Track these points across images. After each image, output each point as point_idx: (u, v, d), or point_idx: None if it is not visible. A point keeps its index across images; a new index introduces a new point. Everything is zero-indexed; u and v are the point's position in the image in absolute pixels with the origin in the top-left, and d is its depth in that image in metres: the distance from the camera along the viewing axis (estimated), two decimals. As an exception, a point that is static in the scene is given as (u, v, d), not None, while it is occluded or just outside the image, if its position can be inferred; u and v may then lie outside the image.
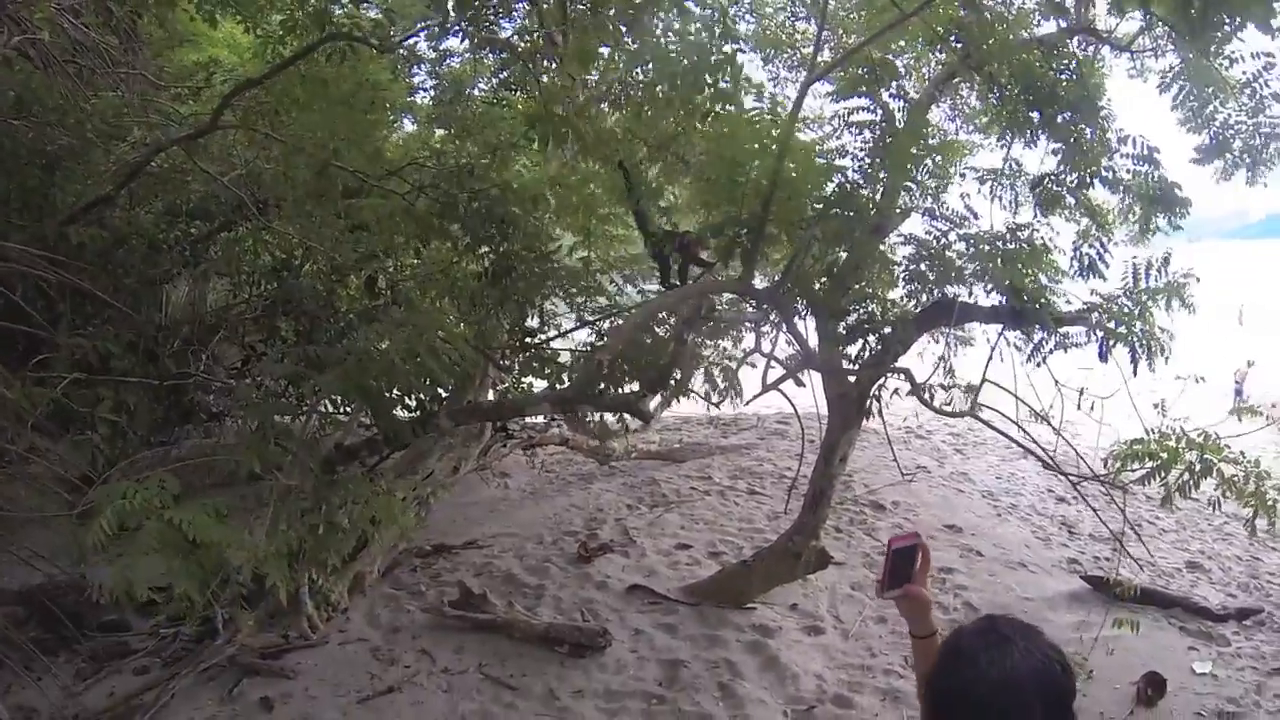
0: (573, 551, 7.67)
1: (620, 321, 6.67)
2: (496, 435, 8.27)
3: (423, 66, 9.48)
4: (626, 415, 7.57)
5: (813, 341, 6.20)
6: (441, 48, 8.62)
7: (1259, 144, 6.66)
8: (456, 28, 7.33)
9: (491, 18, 6.79)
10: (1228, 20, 5.01)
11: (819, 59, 6.97)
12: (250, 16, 6.32)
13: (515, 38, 7.19)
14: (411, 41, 8.86)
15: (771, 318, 6.33)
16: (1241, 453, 5.68)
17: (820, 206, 5.46)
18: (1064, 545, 8.91)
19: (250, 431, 5.30)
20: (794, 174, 5.35)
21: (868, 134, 6.05)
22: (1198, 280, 5.94)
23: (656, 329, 6.38)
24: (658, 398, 7.10)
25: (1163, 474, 5.67)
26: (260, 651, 5.74)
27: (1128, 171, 6.03)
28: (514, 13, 7.20)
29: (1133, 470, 5.89)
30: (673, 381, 5.82)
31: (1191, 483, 5.56)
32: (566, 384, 6.24)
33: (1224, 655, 6.57)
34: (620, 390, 5.87)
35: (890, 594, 2.29)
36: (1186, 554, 8.95)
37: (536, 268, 6.25)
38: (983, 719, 1.71)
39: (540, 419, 9.29)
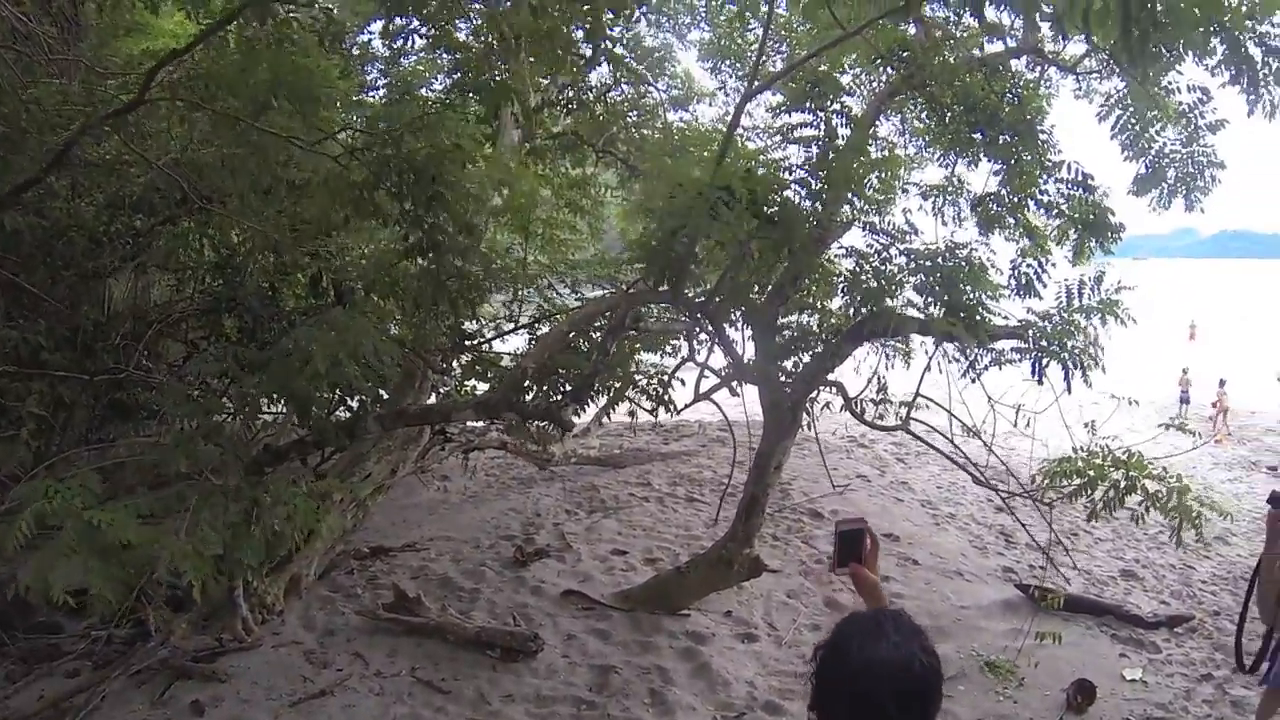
0: (509, 556, 7.67)
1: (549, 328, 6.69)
2: (435, 438, 8.23)
3: (376, 65, 9.46)
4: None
5: (750, 351, 6.26)
6: (396, 46, 8.60)
7: (1194, 172, 6.81)
8: (411, 26, 7.33)
9: (446, 16, 6.79)
10: (1166, 50, 5.11)
11: (768, 70, 7.04)
12: (191, 3, 6.22)
13: (471, 38, 7.19)
14: (364, 38, 8.85)
15: (704, 328, 6.37)
16: (1164, 468, 5.84)
17: (757, 220, 5.49)
18: (1000, 554, 9.05)
19: (181, 430, 5.24)
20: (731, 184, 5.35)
21: (811, 148, 6.11)
22: (1130, 288, 6.06)
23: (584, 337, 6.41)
24: (591, 407, 7.08)
25: (1089, 491, 5.81)
26: (193, 654, 5.67)
27: (1062, 196, 6.16)
28: (470, 14, 7.20)
29: (1061, 487, 6.03)
30: (596, 390, 5.81)
31: (1116, 499, 5.71)
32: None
33: (1154, 662, 6.75)
34: (544, 398, 5.86)
35: (840, 571, 2.46)
36: (1121, 562, 9.15)
37: (467, 248, 6.18)
38: (838, 702, 1.77)
39: (480, 422, 9.27)
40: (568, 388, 5.85)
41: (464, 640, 6.09)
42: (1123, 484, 5.73)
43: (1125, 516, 9.47)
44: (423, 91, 8.73)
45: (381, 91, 9.27)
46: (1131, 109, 6.45)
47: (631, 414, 7.63)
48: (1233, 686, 6.25)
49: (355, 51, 8.51)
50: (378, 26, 8.69)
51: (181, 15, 7.18)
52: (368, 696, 5.49)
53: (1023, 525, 7.45)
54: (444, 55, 8.15)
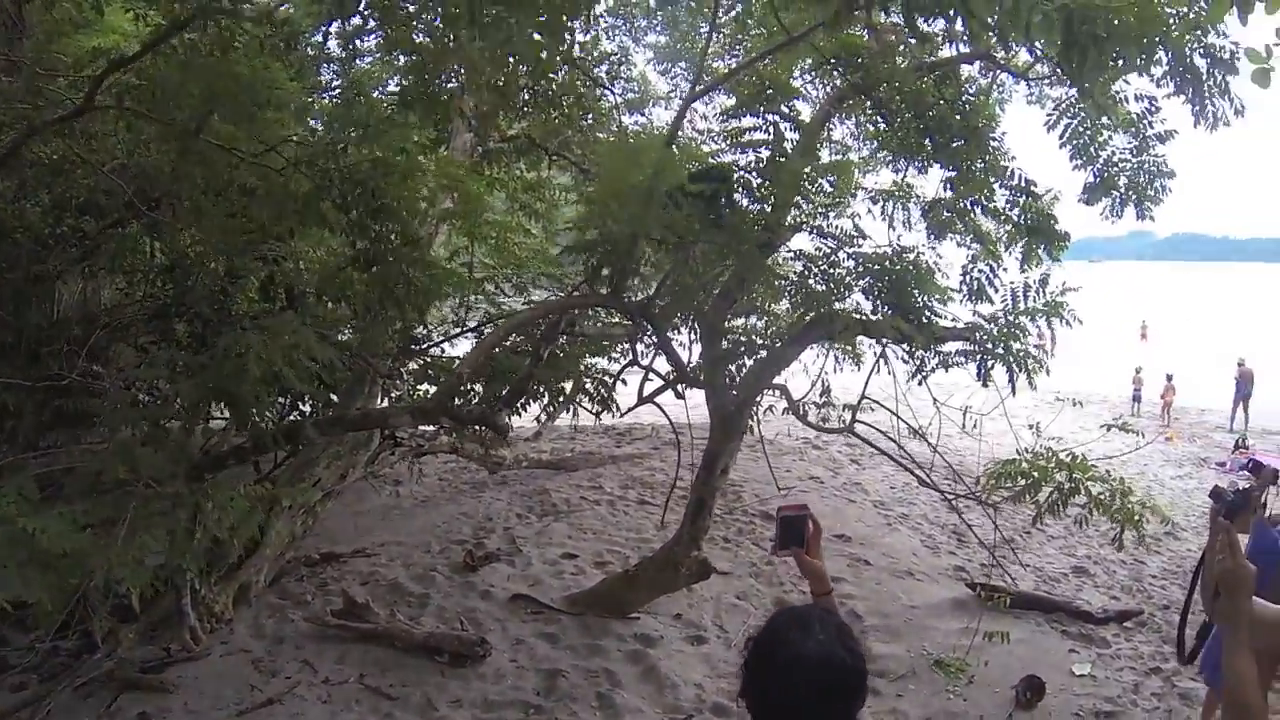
0: (459, 560, 7.65)
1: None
2: (384, 443, 8.20)
3: (331, 66, 9.37)
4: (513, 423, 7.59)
5: (697, 354, 6.30)
6: (350, 47, 8.52)
7: (1144, 181, 6.91)
8: (367, 27, 7.26)
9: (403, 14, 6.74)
10: (1110, 61, 5.18)
11: (722, 71, 7.07)
12: (137, 5, 6.14)
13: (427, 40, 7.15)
14: (317, 39, 8.75)
15: (646, 333, 6.39)
16: (1108, 470, 5.94)
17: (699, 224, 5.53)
18: (952, 553, 9.14)
19: (123, 437, 5.18)
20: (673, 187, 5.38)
21: (760, 151, 6.15)
22: (1075, 290, 6.17)
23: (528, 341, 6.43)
24: (536, 410, 7.10)
25: (1034, 493, 5.90)
26: (140, 665, 5.63)
27: (1008, 202, 6.24)
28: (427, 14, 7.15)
29: (1007, 488, 6.11)
30: (539, 394, 5.82)
31: (1060, 501, 5.80)
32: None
33: (1103, 657, 6.85)
34: (480, 403, 5.87)
35: (782, 554, 2.55)
36: (1073, 559, 9.29)
37: (412, 257, 6.18)
38: (764, 692, 1.82)
39: (428, 427, 9.27)
40: (503, 392, 5.86)
41: (412, 646, 6.08)
42: (1067, 486, 5.83)
43: (1076, 514, 9.76)
44: (377, 94, 8.69)
45: (335, 93, 9.20)
46: (1079, 117, 6.52)
47: (574, 415, 7.63)
48: (1180, 679, 6.34)
49: (310, 52, 8.42)
50: (335, 27, 8.64)
51: (124, 15, 7.08)
52: (315, 704, 5.47)
53: (969, 526, 7.53)
54: (399, 57, 8.08)
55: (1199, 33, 5.94)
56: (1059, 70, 6.65)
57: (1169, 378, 21.36)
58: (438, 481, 10.70)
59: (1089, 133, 6.48)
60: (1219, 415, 21.51)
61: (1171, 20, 5.38)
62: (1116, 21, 4.54)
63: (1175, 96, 6.00)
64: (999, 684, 6.18)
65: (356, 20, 7.59)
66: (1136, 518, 5.85)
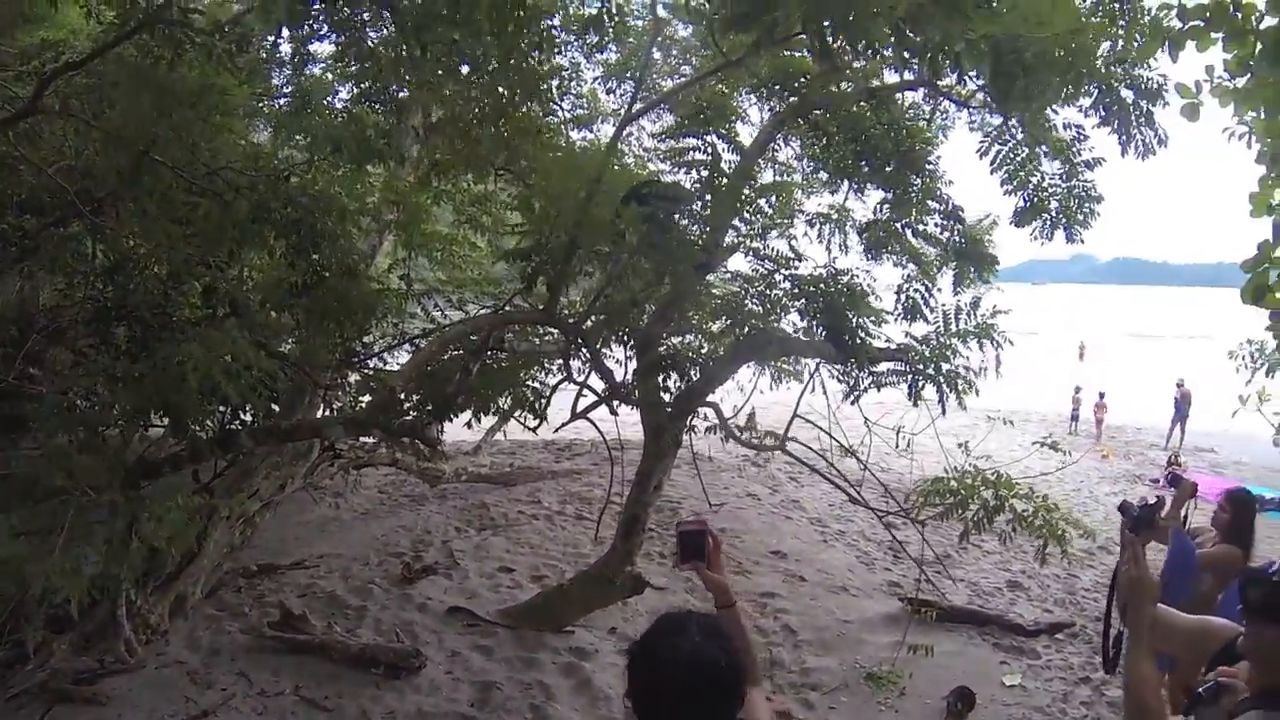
0: (397, 573, 7.67)
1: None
2: (324, 454, 8.18)
3: (283, 71, 9.32)
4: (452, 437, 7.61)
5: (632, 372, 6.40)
6: (302, 53, 8.51)
7: (1073, 206, 7.16)
8: (320, 32, 7.28)
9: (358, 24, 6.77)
10: (1038, 92, 5.39)
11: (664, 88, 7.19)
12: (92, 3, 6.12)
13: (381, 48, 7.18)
14: (269, 42, 8.71)
15: (579, 349, 6.47)
16: (1031, 488, 6.12)
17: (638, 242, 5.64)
18: (887, 569, 9.26)
19: (59, 443, 5.13)
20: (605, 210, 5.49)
21: (699, 172, 6.28)
22: (1005, 312, 6.37)
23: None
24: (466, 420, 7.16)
25: (961, 510, 6.06)
26: (73, 676, 5.56)
27: (937, 225, 6.44)
28: (381, 21, 7.18)
29: (935, 505, 6.27)
30: (473, 408, 5.88)
31: (985, 518, 5.97)
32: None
33: (1034, 667, 6.98)
34: (410, 416, 5.92)
35: (683, 567, 2.63)
36: (1008, 574, 9.42)
37: (346, 284, 6.23)
38: (644, 693, 1.91)
39: (368, 438, 9.27)
40: (431, 407, 5.92)
41: (348, 658, 6.10)
42: (992, 503, 6.00)
43: (1012, 530, 9.97)
44: (326, 101, 8.68)
45: (286, 98, 9.17)
46: (1010, 144, 6.76)
47: (504, 431, 7.69)
48: (1109, 688, 6.45)
49: (262, 55, 8.39)
50: (287, 32, 8.62)
51: (78, 10, 7.03)
52: (251, 717, 5.47)
53: (898, 542, 7.69)
54: (352, 64, 8.10)
55: (1126, 65, 6.22)
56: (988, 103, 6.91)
57: (1100, 395, 22.27)
58: (377, 494, 10.70)
59: (1019, 159, 6.70)
60: (1155, 434, 22.16)
61: (1100, 53, 5.62)
62: (1044, 52, 4.77)
63: (1102, 126, 6.27)
64: (930, 695, 6.30)
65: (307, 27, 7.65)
66: (1060, 532, 6.03)
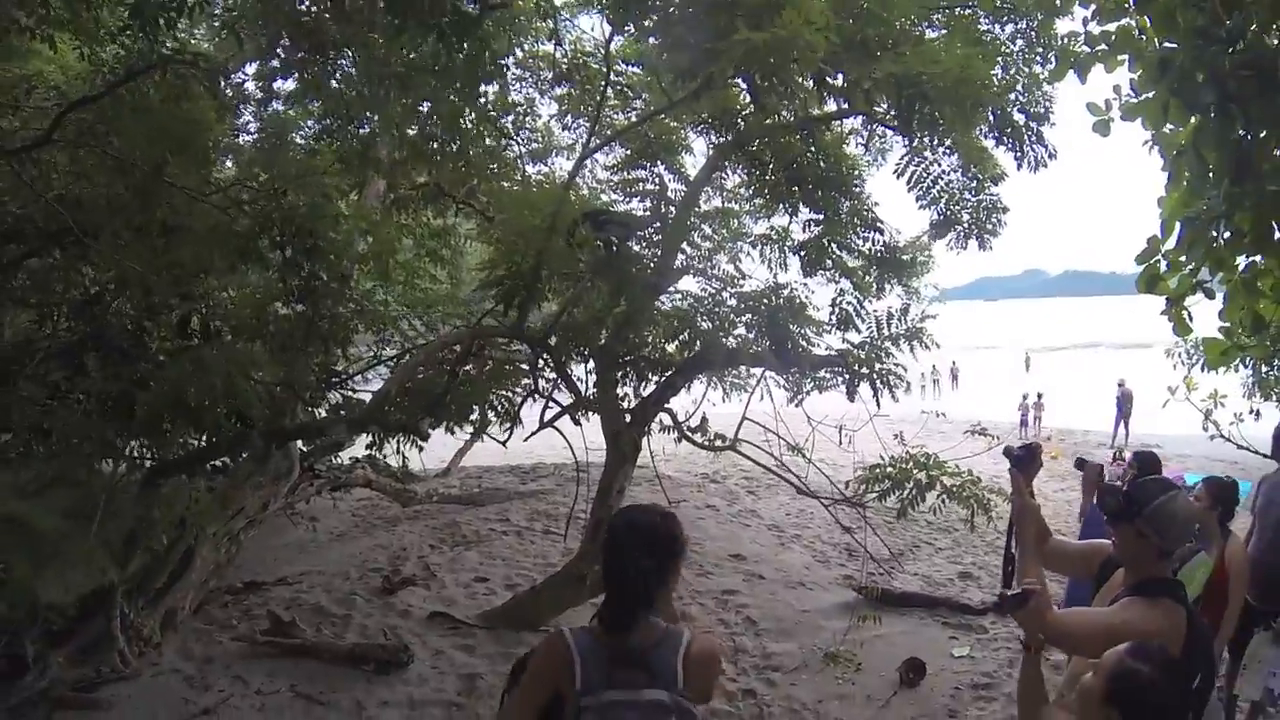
0: (377, 585, 7.96)
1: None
2: (304, 474, 8.49)
3: (248, 107, 9.67)
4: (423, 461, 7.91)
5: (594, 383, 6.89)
6: (272, 88, 8.87)
7: (983, 217, 7.77)
8: (288, 68, 7.68)
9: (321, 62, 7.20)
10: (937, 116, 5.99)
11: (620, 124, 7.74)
12: (88, 43, 6.48)
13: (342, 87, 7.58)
14: (238, 80, 9.08)
15: (546, 363, 6.95)
16: (957, 464, 6.68)
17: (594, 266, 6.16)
18: (842, 565, 9.71)
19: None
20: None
21: (649, 201, 6.81)
22: (933, 317, 6.95)
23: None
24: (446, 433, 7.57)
25: (897, 491, 6.62)
26: (72, 684, 5.80)
27: (861, 239, 7.03)
28: (342, 61, 7.59)
29: (874, 491, 6.82)
30: (453, 410, 6.33)
31: (918, 495, 6.54)
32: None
33: (981, 640, 7.49)
34: (404, 414, 6.38)
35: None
36: (959, 566, 9.99)
37: (340, 294, 6.65)
38: (605, 542, 2.57)
39: (345, 460, 9.61)
40: (420, 405, 6.38)
41: (339, 657, 6.43)
42: (924, 481, 6.57)
43: (963, 530, 10.49)
44: (294, 137, 9.04)
45: (254, 135, 9.50)
46: (922, 164, 7.34)
47: (475, 440, 8.06)
48: (1052, 652, 6.92)
49: (229, 92, 8.73)
50: (252, 69, 8.99)
51: (67, 49, 7.33)
52: (250, 713, 5.76)
53: (847, 529, 8.09)
54: (314, 102, 8.43)
55: (1018, 92, 6.90)
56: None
57: (1039, 396, 24.32)
58: (352, 517, 10.96)
59: (931, 178, 7.30)
60: (1102, 435, 23.08)
61: (993, 82, 6.26)
62: (940, 87, 5.40)
63: (999, 147, 6.94)
64: (884, 669, 6.73)
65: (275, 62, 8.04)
66: (985, 500, 6.58)
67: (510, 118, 9.74)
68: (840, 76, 5.87)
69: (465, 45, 5.42)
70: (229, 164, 9.51)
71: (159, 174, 6.14)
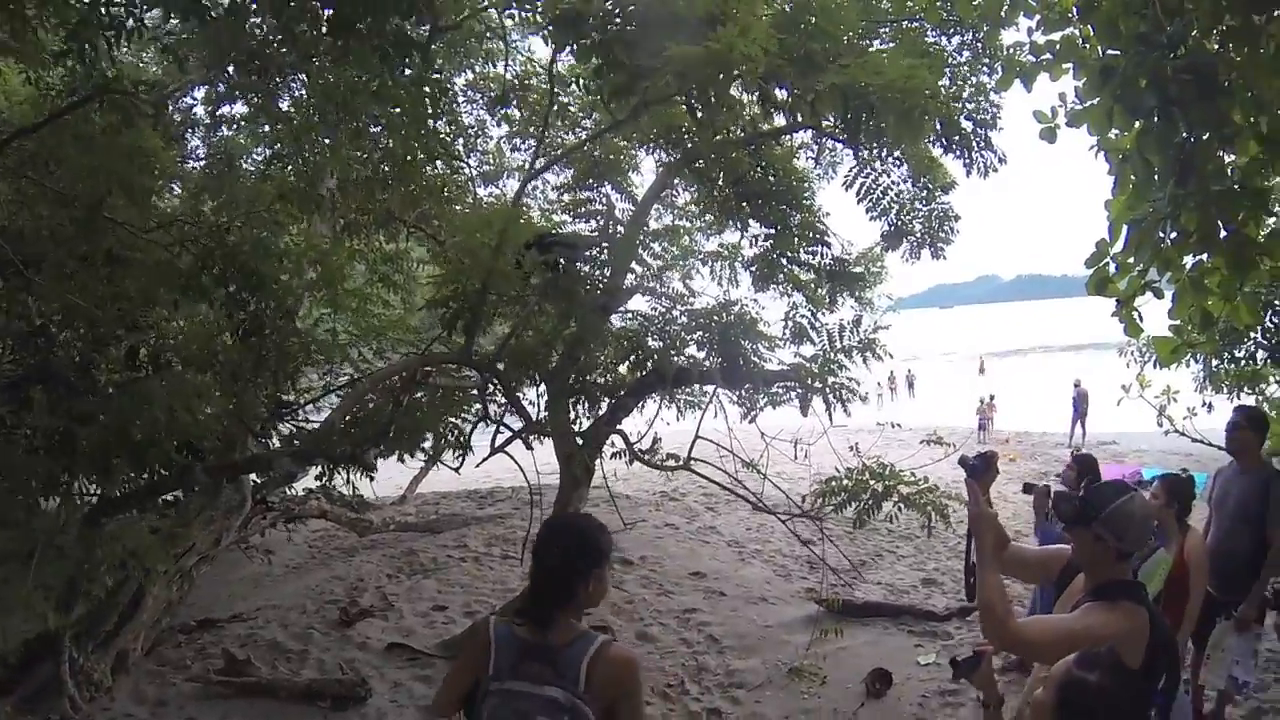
0: (334, 618, 7.84)
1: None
2: (257, 506, 8.34)
3: (196, 132, 9.55)
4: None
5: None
6: (219, 113, 8.77)
7: (934, 226, 7.86)
8: (235, 91, 7.58)
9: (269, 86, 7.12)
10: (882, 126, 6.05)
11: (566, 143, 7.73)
12: (34, 69, 6.34)
13: (291, 109, 7.50)
14: (187, 105, 8.96)
15: (495, 388, 6.90)
16: (913, 472, 6.70)
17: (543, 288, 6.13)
18: (804, 578, 9.68)
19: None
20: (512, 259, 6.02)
21: (596, 221, 6.80)
22: (886, 328, 6.97)
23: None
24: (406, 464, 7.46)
25: (854, 502, 6.64)
26: (19, 734, 5.61)
27: (808, 251, 7.07)
28: (291, 84, 7.51)
29: (831, 504, 6.83)
30: (403, 439, 6.26)
31: (875, 505, 6.57)
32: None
33: (947, 647, 7.44)
34: (350, 445, 6.29)
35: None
36: (922, 572, 10.03)
37: (285, 328, 6.57)
38: (535, 543, 2.73)
39: (299, 490, 9.46)
40: (366, 435, 6.30)
41: (295, 695, 6.30)
42: (881, 491, 6.60)
43: (921, 538, 10.56)
44: (243, 163, 8.92)
45: (203, 161, 9.37)
46: (871, 176, 7.42)
47: (430, 466, 7.93)
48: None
49: (178, 118, 8.61)
50: (200, 93, 8.87)
51: (11, 75, 7.18)
52: (205, 756, 5.59)
53: (805, 542, 8.08)
54: (264, 127, 8.33)
55: (964, 100, 7.00)
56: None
57: (991, 397, 24.91)
58: (308, 549, 10.82)
59: (879, 189, 7.37)
60: (1059, 435, 23.44)
61: (939, 91, 6.34)
62: (885, 98, 5.46)
63: (947, 155, 7.03)
64: (851, 681, 6.71)
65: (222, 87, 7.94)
66: (943, 507, 6.63)
67: (461, 141, 9.70)
68: (784, 91, 5.90)
69: (407, 68, 5.37)
70: (177, 190, 9.37)
71: (98, 208, 5.99)
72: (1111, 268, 5.68)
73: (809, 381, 6.61)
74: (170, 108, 7.89)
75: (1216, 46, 4.73)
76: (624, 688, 2.56)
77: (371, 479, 6.90)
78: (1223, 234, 4.81)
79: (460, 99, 9.78)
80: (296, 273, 7.23)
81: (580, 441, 6.64)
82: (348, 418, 6.44)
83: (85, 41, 4.69)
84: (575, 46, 4.89)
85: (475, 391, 7.09)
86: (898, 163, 7.46)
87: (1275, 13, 4.43)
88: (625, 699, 2.56)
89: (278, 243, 6.70)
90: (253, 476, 7.89)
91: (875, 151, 6.86)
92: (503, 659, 2.53)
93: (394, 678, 6.74)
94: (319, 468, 7.44)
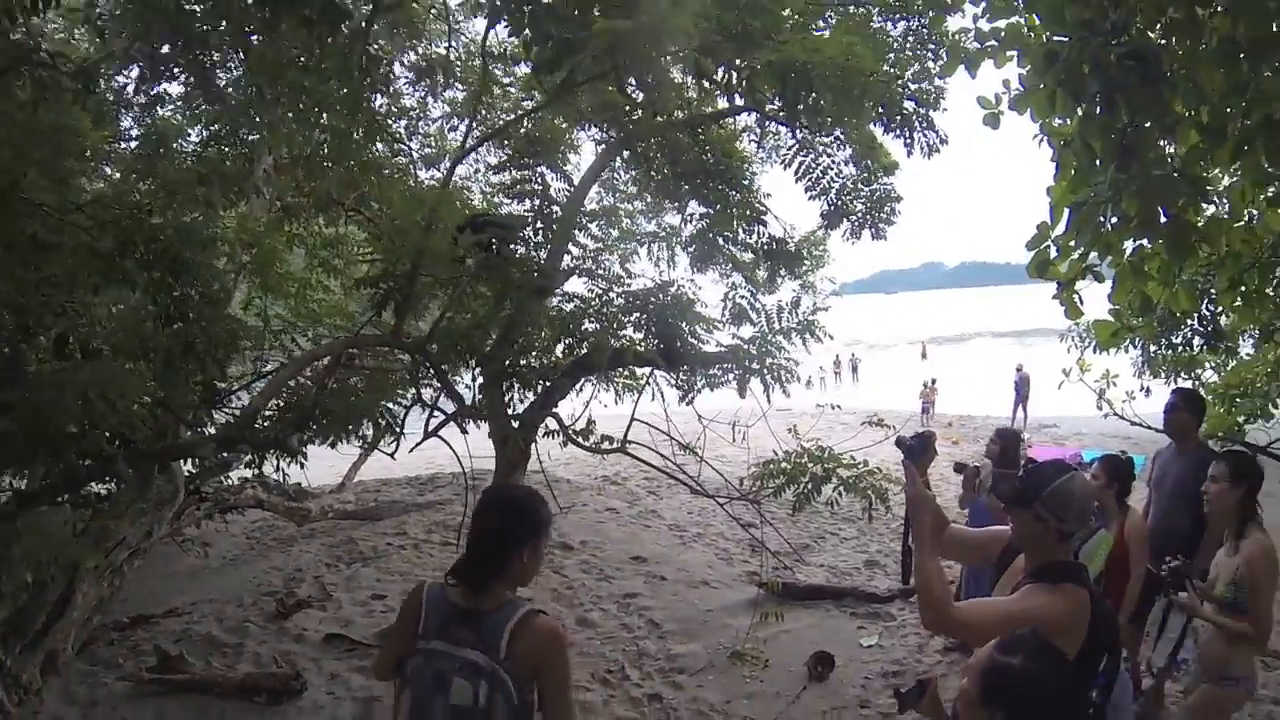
0: (271, 609, 7.71)
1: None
2: (190, 497, 8.13)
3: (130, 113, 9.25)
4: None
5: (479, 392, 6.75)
6: (155, 92, 8.50)
7: (875, 206, 7.90)
8: (161, 65, 7.35)
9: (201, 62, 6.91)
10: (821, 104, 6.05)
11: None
12: None
13: (230, 89, 7.30)
14: (121, 84, 8.67)
15: (427, 372, 6.80)
16: (853, 455, 6.74)
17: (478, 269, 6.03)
18: (746, 562, 9.71)
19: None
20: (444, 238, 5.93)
21: (531, 202, 6.73)
22: (825, 309, 7.02)
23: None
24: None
25: (794, 485, 6.66)
26: (-56, 744, 5.46)
27: (748, 232, 7.06)
28: (229, 64, 7.31)
29: (770, 487, 6.84)
30: (325, 424, 6.13)
31: (814, 488, 6.58)
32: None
33: (889, 628, 7.57)
34: (274, 430, 6.16)
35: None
36: (865, 555, 10.11)
37: (213, 314, 6.39)
38: (475, 510, 2.77)
39: (234, 480, 9.28)
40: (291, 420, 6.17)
41: (230, 690, 6.16)
42: (820, 474, 6.59)
43: (862, 521, 10.64)
44: (178, 145, 8.66)
45: (134, 140, 9.09)
46: (810, 156, 7.43)
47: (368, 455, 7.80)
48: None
49: (110, 96, 8.32)
50: (135, 71, 8.58)
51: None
52: (137, 761, 5.44)
53: (746, 525, 8.10)
54: (200, 106, 8.11)
55: (906, 81, 7.04)
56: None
57: (933, 381, 25.35)
58: (245, 540, 10.64)
59: (819, 169, 7.39)
60: (1001, 419, 23.80)
61: (879, 70, 6.37)
62: (823, 76, 5.46)
63: (888, 135, 7.06)
64: (793, 664, 6.74)
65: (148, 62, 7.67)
66: (883, 490, 6.60)
67: (404, 123, 9.55)
68: (722, 68, 5.87)
69: (334, 38, 5.22)
70: (109, 172, 9.10)
71: (15, 188, 5.75)
72: (1053, 250, 5.77)
73: (746, 363, 6.60)
74: (102, 86, 7.62)
75: (1159, 33, 4.81)
76: (546, 660, 2.55)
77: (301, 465, 6.75)
78: (1163, 219, 4.90)
79: (402, 81, 9.64)
80: (231, 257, 7.05)
81: (516, 425, 6.56)
82: (273, 402, 6.28)
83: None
84: (508, 20, 4.80)
85: (408, 375, 6.97)
86: (840, 145, 7.48)
87: (1217, 7, 4.52)
88: (549, 672, 2.55)
89: (206, 227, 6.50)
90: (186, 467, 7.71)
91: (816, 132, 6.86)
92: (431, 620, 2.59)
93: (331, 669, 6.63)
94: (249, 455, 7.29)
